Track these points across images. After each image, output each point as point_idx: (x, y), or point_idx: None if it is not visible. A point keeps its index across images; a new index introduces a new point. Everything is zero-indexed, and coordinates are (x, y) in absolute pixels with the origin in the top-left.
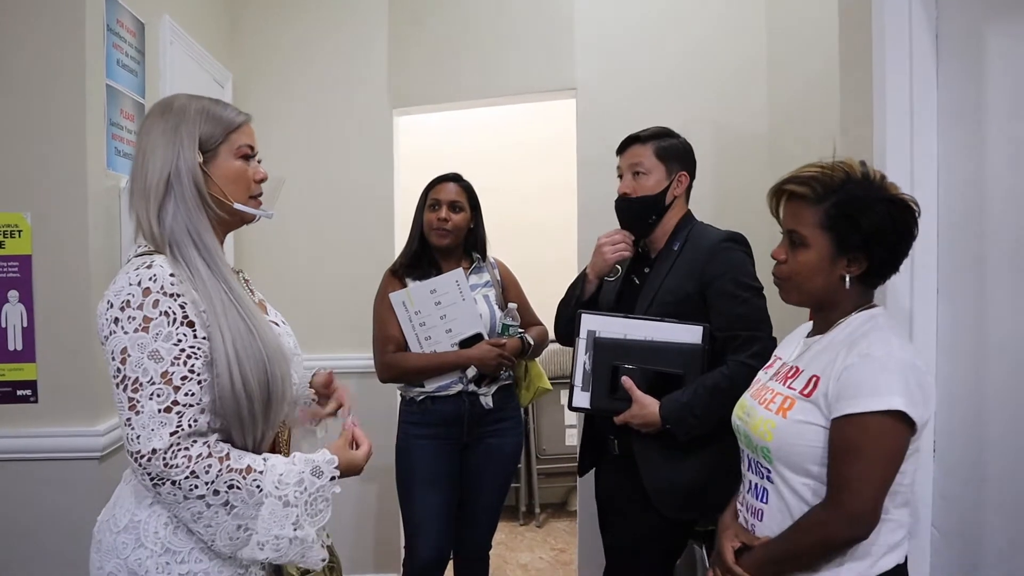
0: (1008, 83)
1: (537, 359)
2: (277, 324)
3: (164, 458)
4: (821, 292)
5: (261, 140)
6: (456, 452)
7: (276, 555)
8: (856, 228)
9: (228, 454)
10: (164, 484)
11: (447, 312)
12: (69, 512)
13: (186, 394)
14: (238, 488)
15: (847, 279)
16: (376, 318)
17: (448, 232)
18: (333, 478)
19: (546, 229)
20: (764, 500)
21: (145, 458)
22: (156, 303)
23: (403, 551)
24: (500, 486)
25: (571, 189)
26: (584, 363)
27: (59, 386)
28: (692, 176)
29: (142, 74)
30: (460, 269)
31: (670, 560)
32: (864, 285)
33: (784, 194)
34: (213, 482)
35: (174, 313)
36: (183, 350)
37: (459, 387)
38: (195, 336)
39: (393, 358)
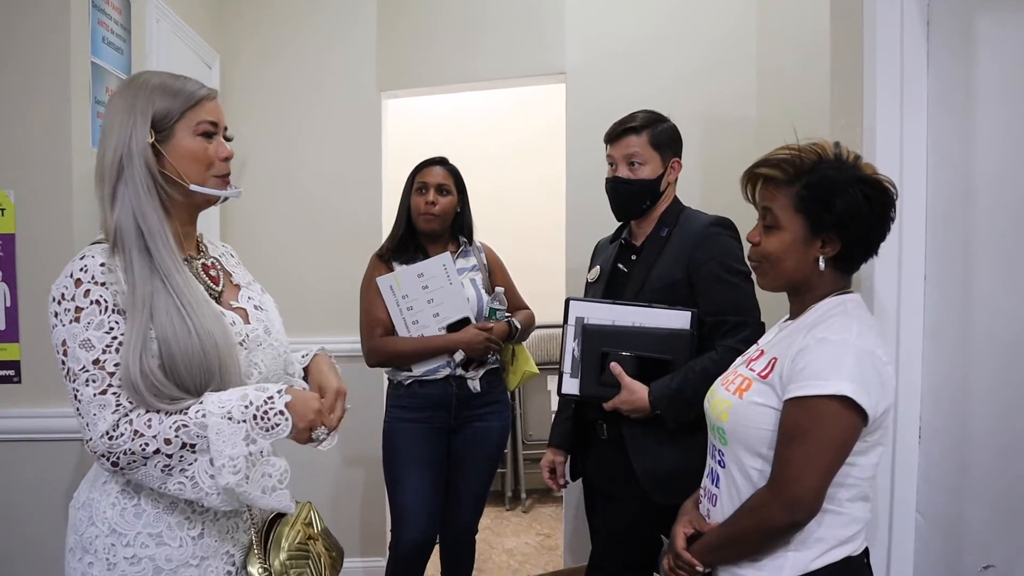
0: (998, 71)
1: (524, 344)
2: (249, 310)
3: (110, 434)
4: (795, 274)
5: (248, 121)
6: (443, 436)
7: (236, 477)
8: (829, 209)
9: (168, 411)
10: (120, 459)
11: (434, 296)
12: (52, 493)
13: (120, 378)
14: (185, 425)
15: (821, 261)
16: (363, 302)
17: (435, 217)
18: (280, 391)
19: (534, 216)
20: (718, 485)
21: (94, 443)
22: (87, 292)
23: (389, 535)
24: (486, 470)
25: (560, 176)
26: (573, 350)
27: (43, 366)
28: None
29: (128, 52)
30: (447, 253)
31: (657, 545)
32: (839, 270)
33: (757, 178)
34: (159, 433)
35: (105, 301)
36: (115, 337)
37: (447, 371)
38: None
39: (380, 342)
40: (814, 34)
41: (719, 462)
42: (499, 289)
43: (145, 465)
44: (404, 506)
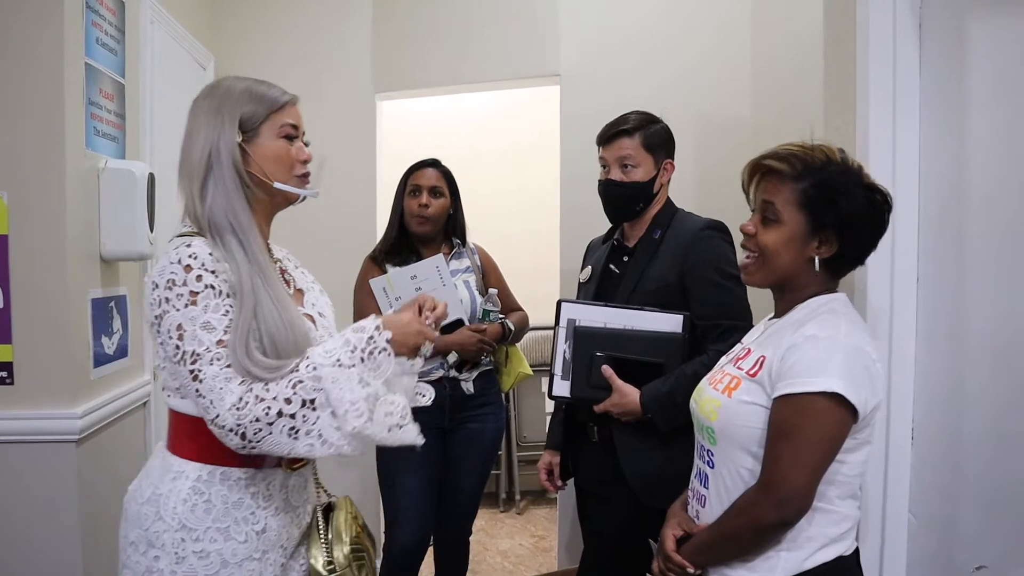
0: (990, 73)
1: (518, 346)
2: (315, 316)
3: (238, 406)
4: (787, 271)
5: None
6: (437, 437)
7: (361, 420)
8: (834, 209)
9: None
10: (248, 429)
11: None
12: (45, 496)
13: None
14: (300, 381)
15: (816, 261)
16: (356, 304)
17: (428, 219)
18: (378, 327)
19: (528, 218)
20: (707, 486)
21: (222, 417)
22: (199, 278)
23: (383, 537)
24: (481, 471)
25: (554, 178)
26: (564, 352)
27: (36, 368)
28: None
29: (122, 53)
30: (440, 255)
31: (648, 547)
32: (829, 271)
33: (761, 169)
34: (278, 394)
35: (219, 287)
36: (232, 319)
37: (440, 373)
38: None
39: None
40: (808, 36)
41: (708, 462)
42: (492, 291)
43: (271, 433)
44: (398, 508)
